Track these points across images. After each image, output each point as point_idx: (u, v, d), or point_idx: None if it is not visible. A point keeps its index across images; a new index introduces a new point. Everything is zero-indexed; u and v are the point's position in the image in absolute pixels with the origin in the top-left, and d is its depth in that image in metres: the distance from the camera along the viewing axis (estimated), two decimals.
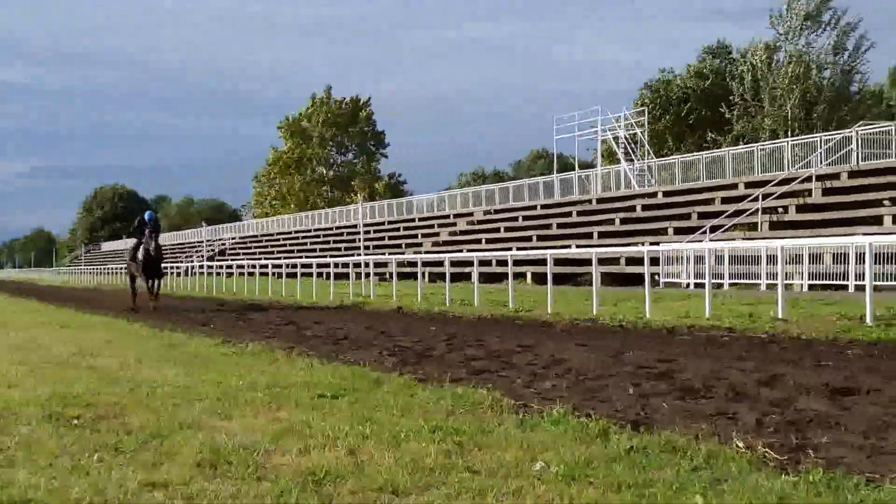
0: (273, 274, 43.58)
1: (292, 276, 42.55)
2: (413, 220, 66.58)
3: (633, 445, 6.20)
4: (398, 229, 65.22)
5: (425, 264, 37.58)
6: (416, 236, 60.89)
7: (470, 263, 30.10)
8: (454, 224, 59.76)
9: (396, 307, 26.20)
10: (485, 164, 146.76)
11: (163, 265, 31.53)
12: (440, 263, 32.86)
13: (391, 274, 34.74)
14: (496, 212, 57.24)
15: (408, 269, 41.12)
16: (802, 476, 5.30)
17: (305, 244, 73.88)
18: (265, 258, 58.84)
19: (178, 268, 59.28)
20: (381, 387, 9.39)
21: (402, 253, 50.67)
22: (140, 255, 29.00)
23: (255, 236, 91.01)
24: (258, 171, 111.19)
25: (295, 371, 11.01)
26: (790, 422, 7.06)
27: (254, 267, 46.07)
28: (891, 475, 5.29)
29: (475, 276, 28.10)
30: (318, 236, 75.50)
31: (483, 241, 50.87)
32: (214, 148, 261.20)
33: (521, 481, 5.35)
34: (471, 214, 59.68)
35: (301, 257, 51.18)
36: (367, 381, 9.78)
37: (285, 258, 50.68)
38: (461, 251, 43.74)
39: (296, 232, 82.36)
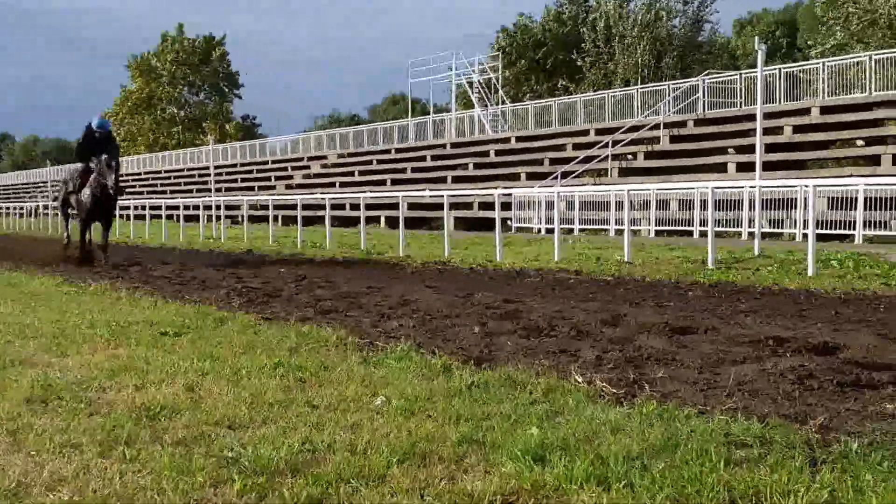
0: (122, 216, 42.43)
1: (141, 218, 41.60)
2: (266, 162, 65.62)
3: (475, 381, 6.23)
4: (251, 172, 64.22)
5: (278, 207, 37.18)
6: (269, 179, 60.10)
7: (323, 207, 29.86)
8: (308, 167, 59.16)
9: (247, 249, 25.86)
10: (342, 108, 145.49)
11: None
12: (293, 206, 32.50)
13: (243, 217, 34.28)
14: (350, 155, 56.87)
15: (260, 212, 40.61)
16: (636, 408, 5.40)
17: (156, 186, 72.16)
18: None
19: (21, 209, 57.20)
20: (226, 325, 9.27)
21: (255, 195, 49.98)
22: (89, 189, 19.83)
23: None
24: (106, 111, 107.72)
25: (138, 310, 10.79)
26: (629, 358, 7.19)
27: None
28: (721, 407, 5.44)
29: (328, 220, 27.91)
30: (168, 178, 73.75)
31: (337, 184, 50.55)
32: (61, 90, 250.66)
33: (360, 415, 5.32)
34: (325, 158, 59.15)
35: (151, 199, 49.99)
36: (211, 320, 9.64)
37: (134, 200, 49.34)
38: (315, 194, 43.39)
39: (146, 173, 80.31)
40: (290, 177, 58.49)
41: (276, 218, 34.18)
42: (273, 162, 64.76)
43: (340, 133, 62.51)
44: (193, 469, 4.29)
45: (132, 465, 4.44)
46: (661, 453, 4.47)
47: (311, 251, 24.26)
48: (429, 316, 10.15)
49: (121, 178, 20.26)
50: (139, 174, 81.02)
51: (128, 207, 42.34)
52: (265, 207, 35.95)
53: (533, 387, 6.01)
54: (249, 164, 67.10)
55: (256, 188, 57.82)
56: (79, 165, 20.96)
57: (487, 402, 5.64)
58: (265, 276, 16.50)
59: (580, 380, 6.27)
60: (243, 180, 62.25)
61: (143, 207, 42.28)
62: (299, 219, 28.49)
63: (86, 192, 19.95)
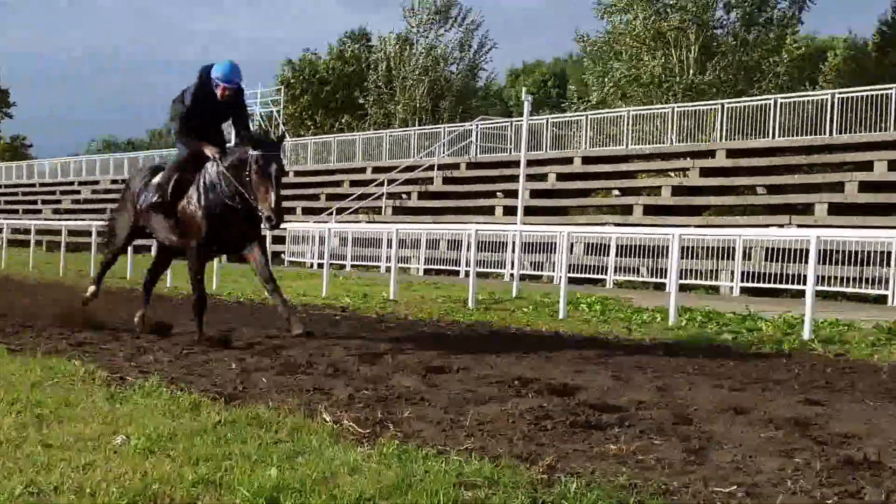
0: None
1: None
2: (34, 185, 62.98)
3: (223, 419, 6.22)
4: (16, 194, 61.52)
5: (42, 232, 35.77)
6: (35, 202, 57.74)
7: (89, 233, 28.91)
8: (78, 192, 57.18)
9: (4, 275, 24.77)
10: (119, 133, 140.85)
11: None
12: (59, 232, 31.38)
13: (2, 241, 32.84)
14: (124, 181, 55.29)
15: (23, 237, 38.95)
16: (377, 448, 5.51)
17: None
18: None
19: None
20: None
21: (19, 219, 47.88)
22: (207, 192, 10.97)
23: None
24: None
25: None
26: (380, 397, 7.32)
27: None
28: (459, 447, 5.63)
29: (93, 246, 27.10)
30: None
31: (108, 211, 49.02)
32: None
33: (95, 455, 5.20)
34: (97, 183, 57.33)
35: None
36: None
37: None
38: (84, 220, 41.99)
39: None
40: (59, 201, 56.37)
41: (39, 243, 32.89)
42: (41, 185, 62.19)
43: (115, 158, 60.76)
44: None
45: None
46: (394, 494, 4.58)
47: (75, 279, 23.43)
48: (186, 350, 10.05)
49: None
50: None
51: None
52: (27, 232, 34.52)
53: (279, 426, 6.05)
54: (14, 185, 64.20)
55: (21, 211, 55.43)
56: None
57: (231, 441, 5.63)
58: (21, 304, 15.80)
59: (328, 419, 6.35)
60: (7, 203, 59.55)
61: None
62: (63, 245, 27.53)
63: (196, 199, 11.04)
